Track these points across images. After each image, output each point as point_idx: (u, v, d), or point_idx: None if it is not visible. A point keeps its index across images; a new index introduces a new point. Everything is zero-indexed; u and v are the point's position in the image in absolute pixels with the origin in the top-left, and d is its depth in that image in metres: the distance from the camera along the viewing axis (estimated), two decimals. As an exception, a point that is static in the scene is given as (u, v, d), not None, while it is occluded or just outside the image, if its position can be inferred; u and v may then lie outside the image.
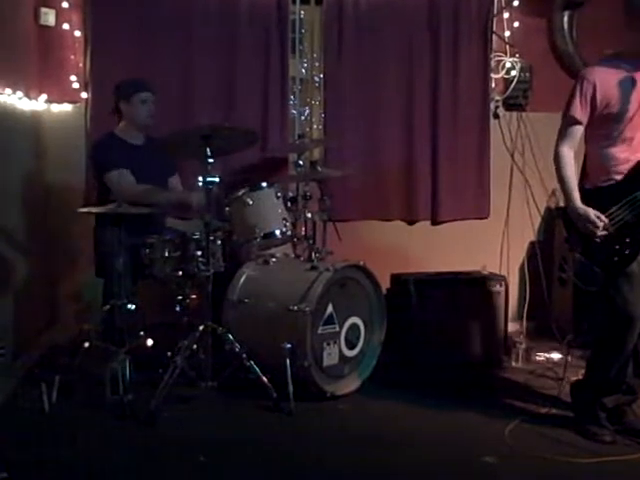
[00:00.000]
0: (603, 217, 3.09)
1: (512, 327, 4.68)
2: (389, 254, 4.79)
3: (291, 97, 4.92)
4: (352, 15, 4.79)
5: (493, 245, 4.95)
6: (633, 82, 3.10)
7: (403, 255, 4.85)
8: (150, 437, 3.21)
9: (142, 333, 3.69)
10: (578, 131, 3.21)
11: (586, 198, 3.17)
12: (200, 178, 3.62)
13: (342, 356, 3.77)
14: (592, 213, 3.10)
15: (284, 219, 3.98)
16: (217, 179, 3.60)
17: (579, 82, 3.17)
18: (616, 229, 3.09)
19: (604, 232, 3.08)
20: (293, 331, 3.57)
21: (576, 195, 3.16)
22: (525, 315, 5.03)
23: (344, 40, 4.81)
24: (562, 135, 3.24)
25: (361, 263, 3.86)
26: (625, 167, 3.13)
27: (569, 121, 3.21)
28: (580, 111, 3.16)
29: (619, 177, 3.14)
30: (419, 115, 4.92)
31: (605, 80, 3.12)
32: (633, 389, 3.27)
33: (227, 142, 3.69)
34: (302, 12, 4.93)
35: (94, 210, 3.74)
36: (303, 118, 5.07)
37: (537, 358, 4.39)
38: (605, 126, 3.16)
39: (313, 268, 3.75)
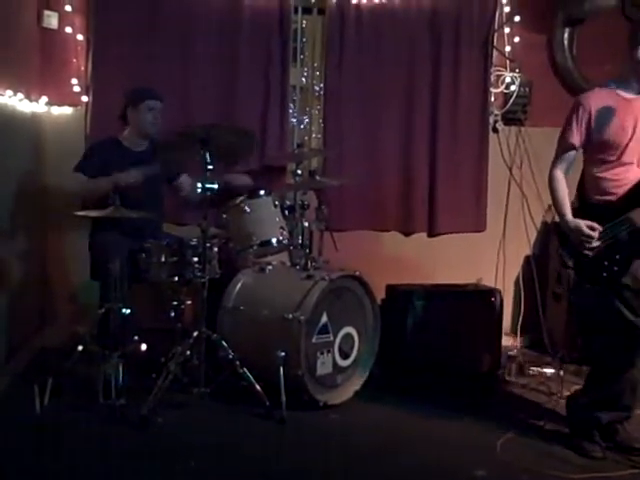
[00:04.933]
0: (596, 225, 3.15)
1: (506, 341, 4.69)
2: (385, 265, 4.80)
3: (291, 106, 4.94)
4: (354, 26, 4.81)
5: (489, 258, 4.95)
6: (612, 111, 3.16)
7: (399, 266, 4.85)
8: (141, 442, 3.20)
9: (136, 338, 3.68)
10: (572, 156, 3.30)
11: (580, 212, 3.23)
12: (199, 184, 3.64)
13: (336, 365, 3.77)
14: (584, 225, 3.16)
15: (281, 227, 4.00)
16: (215, 185, 3.63)
17: (575, 108, 3.24)
18: (607, 246, 3.14)
19: (597, 243, 3.13)
20: (287, 339, 3.57)
21: (568, 210, 3.24)
22: (519, 329, 5.04)
23: (345, 50, 4.83)
24: (557, 158, 3.33)
25: (357, 273, 3.87)
26: (621, 189, 3.18)
27: (564, 146, 3.29)
28: (575, 137, 3.23)
29: (614, 198, 3.19)
30: (418, 127, 4.94)
31: (600, 104, 3.19)
32: (628, 406, 3.28)
33: (226, 145, 3.69)
34: (304, 21, 4.96)
35: (91, 214, 3.74)
36: (302, 127, 5.09)
37: (530, 372, 4.39)
38: (602, 151, 3.22)
39: (309, 277, 3.75)
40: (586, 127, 3.20)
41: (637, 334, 3.10)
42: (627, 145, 3.17)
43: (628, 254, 3.12)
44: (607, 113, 3.17)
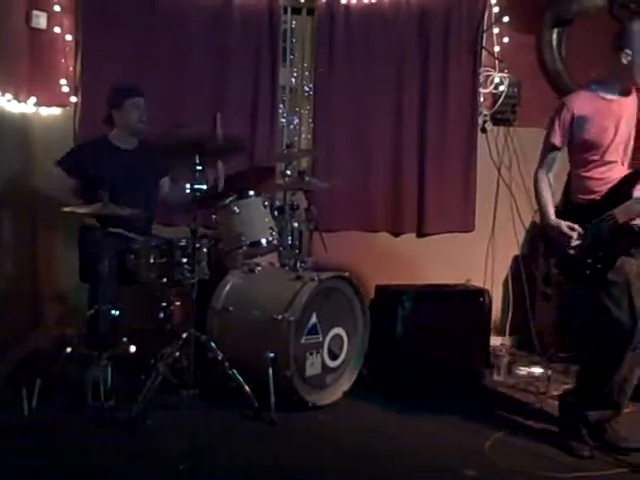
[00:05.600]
0: (576, 227, 3.21)
1: (495, 340, 4.70)
2: (374, 265, 4.81)
3: (280, 106, 4.94)
4: (343, 26, 4.82)
5: (478, 258, 4.97)
6: (590, 118, 3.21)
7: (388, 266, 4.86)
8: (130, 444, 3.19)
9: (125, 339, 3.67)
10: (556, 156, 3.36)
11: (567, 214, 3.28)
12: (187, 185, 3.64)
13: (325, 366, 3.77)
14: (564, 225, 3.23)
15: (270, 228, 4.00)
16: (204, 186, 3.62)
17: (559, 109, 3.31)
18: (590, 243, 3.19)
19: (578, 242, 3.19)
20: (276, 340, 3.58)
21: (551, 210, 3.31)
22: (508, 329, 5.05)
23: (335, 51, 4.84)
24: (541, 160, 3.40)
25: (346, 274, 3.87)
26: (605, 188, 3.23)
27: (548, 147, 3.36)
28: (558, 137, 3.30)
29: (598, 197, 3.24)
30: (408, 127, 4.95)
31: (582, 108, 3.24)
32: (618, 404, 3.29)
33: (217, 150, 3.69)
34: (293, 22, 4.97)
35: (78, 210, 3.70)
36: (292, 127, 5.09)
37: (519, 372, 4.42)
38: (584, 150, 3.27)
39: (298, 278, 3.75)
40: (568, 128, 3.27)
41: (623, 330, 3.12)
42: (609, 145, 3.23)
43: (611, 251, 3.16)
44: (585, 119, 3.22)
